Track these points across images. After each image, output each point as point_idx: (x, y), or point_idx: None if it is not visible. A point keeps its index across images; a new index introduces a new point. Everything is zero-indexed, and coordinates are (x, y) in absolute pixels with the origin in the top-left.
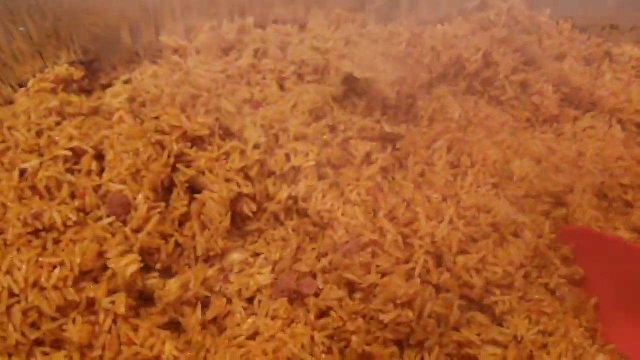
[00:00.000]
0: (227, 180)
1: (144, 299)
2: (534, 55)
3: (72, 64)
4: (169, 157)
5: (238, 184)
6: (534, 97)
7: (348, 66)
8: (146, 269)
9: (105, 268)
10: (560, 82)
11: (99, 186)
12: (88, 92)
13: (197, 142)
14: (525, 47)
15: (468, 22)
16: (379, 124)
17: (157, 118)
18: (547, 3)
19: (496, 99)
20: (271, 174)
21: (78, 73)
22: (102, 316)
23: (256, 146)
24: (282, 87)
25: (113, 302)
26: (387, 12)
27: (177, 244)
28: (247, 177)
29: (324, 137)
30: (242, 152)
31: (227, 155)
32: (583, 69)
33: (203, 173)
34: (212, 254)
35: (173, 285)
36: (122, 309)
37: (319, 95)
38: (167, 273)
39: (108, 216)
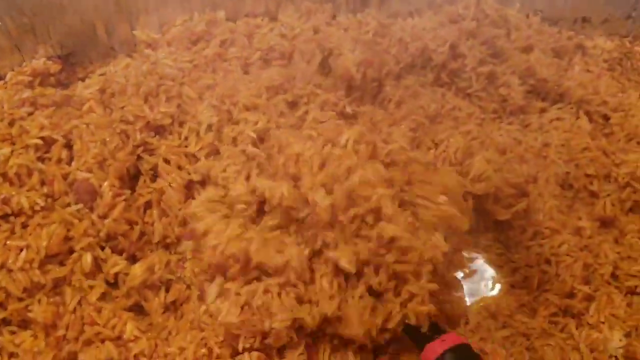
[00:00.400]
0: (179, 168)
1: (108, 283)
2: (501, 48)
3: (49, 58)
4: (133, 146)
5: (188, 171)
6: (500, 89)
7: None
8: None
9: (71, 252)
10: (527, 74)
11: (68, 174)
12: (65, 86)
13: (160, 130)
14: (492, 39)
15: (437, 15)
16: (342, 101)
17: (123, 108)
18: None
19: (463, 91)
20: None
21: (55, 67)
22: (67, 297)
23: (209, 127)
24: (246, 73)
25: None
26: (357, 5)
27: (141, 231)
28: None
29: (279, 108)
30: (198, 136)
31: (187, 140)
32: (551, 61)
33: (166, 161)
34: (168, 240)
35: (138, 269)
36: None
37: (280, 74)
38: (131, 258)
39: (75, 203)
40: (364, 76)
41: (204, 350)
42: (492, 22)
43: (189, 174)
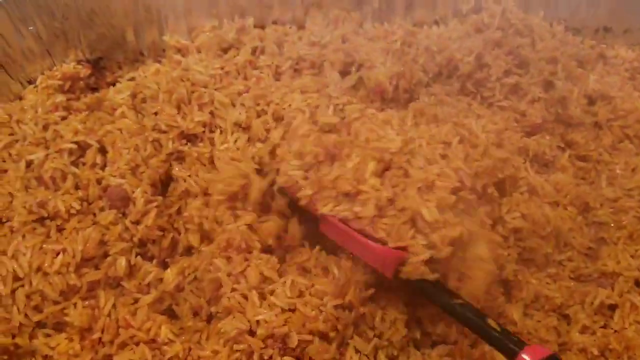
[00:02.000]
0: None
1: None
2: (526, 57)
3: (79, 62)
4: (166, 154)
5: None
6: (522, 103)
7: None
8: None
9: (105, 256)
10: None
11: (102, 179)
12: (94, 90)
13: (192, 138)
14: (517, 49)
15: (462, 24)
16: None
17: (156, 114)
18: (541, 5)
19: (487, 100)
20: None
21: (85, 71)
22: (102, 301)
23: (236, 123)
24: (277, 81)
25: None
26: (383, 13)
27: (172, 237)
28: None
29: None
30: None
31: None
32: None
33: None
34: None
35: (169, 274)
36: None
37: (314, 81)
38: (161, 263)
39: (109, 209)
40: (396, 88)
41: (237, 355)
42: (517, 32)
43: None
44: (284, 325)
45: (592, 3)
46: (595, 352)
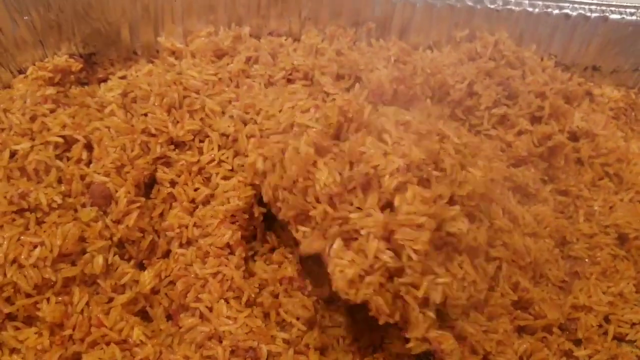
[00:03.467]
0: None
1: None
2: (516, 89)
3: (71, 55)
4: (153, 158)
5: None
6: (508, 135)
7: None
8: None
9: (83, 252)
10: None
11: (86, 175)
12: (85, 85)
13: (181, 144)
14: (507, 80)
15: (455, 51)
16: None
17: (145, 115)
18: (533, 39)
19: (475, 128)
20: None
21: (76, 65)
22: (76, 298)
23: (224, 134)
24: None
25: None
26: (378, 34)
27: (151, 239)
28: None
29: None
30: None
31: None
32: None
33: (179, 175)
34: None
35: (146, 276)
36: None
37: (305, 88)
38: (138, 265)
39: (91, 206)
40: (396, 92)
41: None
42: (509, 63)
43: (196, 190)
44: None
45: (584, 41)
46: None
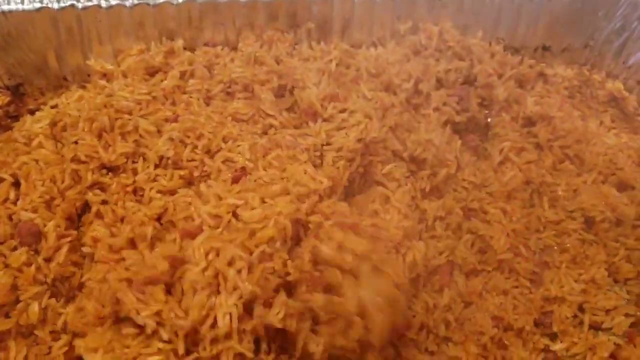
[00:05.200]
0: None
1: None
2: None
3: None
4: (85, 187)
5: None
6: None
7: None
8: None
9: (17, 301)
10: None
11: (13, 214)
12: (14, 118)
13: (114, 168)
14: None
15: (400, 46)
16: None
17: (76, 142)
18: (479, 25)
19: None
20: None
21: (3, 98)
22: (12, 352)
23: (163, 159)
24: (208, 105)
25: None
26: (318, 34)
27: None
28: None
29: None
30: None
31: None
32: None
33: (115, 202)
34: None
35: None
36: None
37: (247, 106)
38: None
39: (21, 246)
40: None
41: None
42: (455, 54)
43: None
44: None
45: (531, 22)
46: None
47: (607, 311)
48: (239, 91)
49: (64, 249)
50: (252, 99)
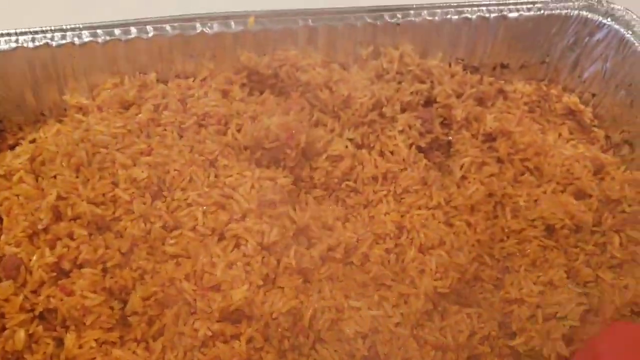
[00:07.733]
0: None
1: None
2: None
3: None
4: (66, 220)
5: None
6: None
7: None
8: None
9: (3, 329)
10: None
11: None
12: None
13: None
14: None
15: (364, 70)
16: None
17: (55, 177)
18: (439, 47)
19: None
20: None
21: None
22: None
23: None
24: (182, 137)
25: None
26: None
27: None
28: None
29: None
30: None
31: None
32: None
33: None
34: None
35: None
36: None
37: (215, 142)
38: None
39: (5, 279)
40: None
41: None
42: (415, 77)
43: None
44: None
45: (487, 41)
46: None
47: (560, 304)
48: (212, 124)
49: (50, 282)
50: (225, 134)
